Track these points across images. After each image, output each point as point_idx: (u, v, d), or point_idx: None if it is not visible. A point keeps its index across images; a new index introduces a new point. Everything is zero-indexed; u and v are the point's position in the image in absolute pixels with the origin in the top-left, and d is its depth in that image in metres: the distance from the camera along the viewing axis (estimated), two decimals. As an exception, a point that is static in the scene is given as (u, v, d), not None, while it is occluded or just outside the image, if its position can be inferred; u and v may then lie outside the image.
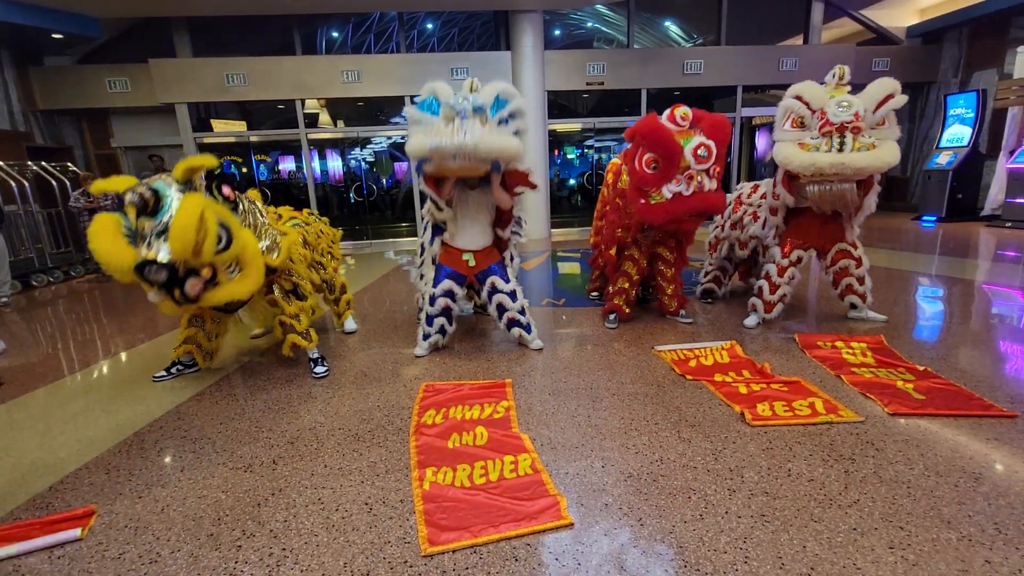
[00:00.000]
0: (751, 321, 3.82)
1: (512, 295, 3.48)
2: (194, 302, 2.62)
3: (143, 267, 2.41)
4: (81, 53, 9.21)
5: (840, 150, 3.13)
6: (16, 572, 1.67)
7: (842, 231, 3.64)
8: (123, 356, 3.94)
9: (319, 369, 3.22)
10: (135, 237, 2.50)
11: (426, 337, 3.51)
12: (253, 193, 3.17)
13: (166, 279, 2.45)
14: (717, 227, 4.46)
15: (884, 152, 3.13)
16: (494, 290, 3.46)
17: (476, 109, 2.91)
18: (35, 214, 7.40)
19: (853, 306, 3.80)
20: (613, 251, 3.92)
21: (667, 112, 3.42)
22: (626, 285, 3.90)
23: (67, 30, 7.83)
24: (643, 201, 3.39)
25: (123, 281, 2.54)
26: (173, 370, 3.34)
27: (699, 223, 3.67)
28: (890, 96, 3.20)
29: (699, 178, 3.27)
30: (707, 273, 4.67)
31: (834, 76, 3.40)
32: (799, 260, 3.66)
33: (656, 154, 3.29)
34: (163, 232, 2.44)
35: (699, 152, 3.23)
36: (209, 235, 2.46)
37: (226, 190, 2.78)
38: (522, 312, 3.52)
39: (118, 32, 9.05)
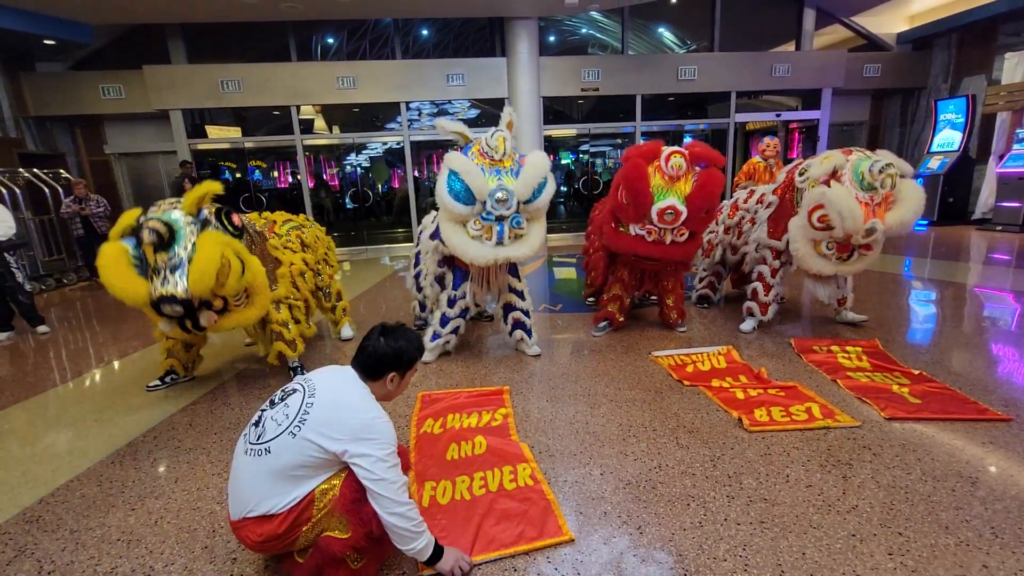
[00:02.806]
0: (747, 326, 3.83)
1: (521, 294, 3.50)
2: (203, 330, 2.72)
3: (160, 303, 2.49)
4: (74, 59, 9.16)
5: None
6: (6, 587, 1.64)
7: None
8: (116, 365, 3.90)
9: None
10: (144, 266, 2.58)
11: (435, 338, 3.48)
12: (253, 216, 3.20)
13: (182, 314, 2.56)
14: (711, 232, 4.47)
15: (909, 206, 3.24)
16: (509, 289, 3.46)
17: (515, 223, 3.05)
18: (27, 221, 7.33)
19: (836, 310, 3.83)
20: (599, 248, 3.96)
21: (665, 153, 3.30)
22: (619, 291, 3.87)
23: (60, 36, 7.78)
24: (613, 226, 3.55)
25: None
26: (167, 379, 3.31)
27: (682, 266, 3.82)
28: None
29: (662, 233, 3.34)
30: (701, 279, 4.70)
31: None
32: (789, 261, 3.68)
33: (628, 198, 3.34)
34: (177, 267, 2.50)
35: (665, 215, 3.27)
36: (233, 272, 2.57)
37: (235, 219, 2.83)
38: (527, 314, 3.53)
39: (112, 38, 9.01)
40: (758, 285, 3.77)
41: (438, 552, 1.53)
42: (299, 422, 1.44)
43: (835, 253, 3.36)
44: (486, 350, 3.74)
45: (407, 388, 1.75)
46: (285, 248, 3.44)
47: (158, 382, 3.28)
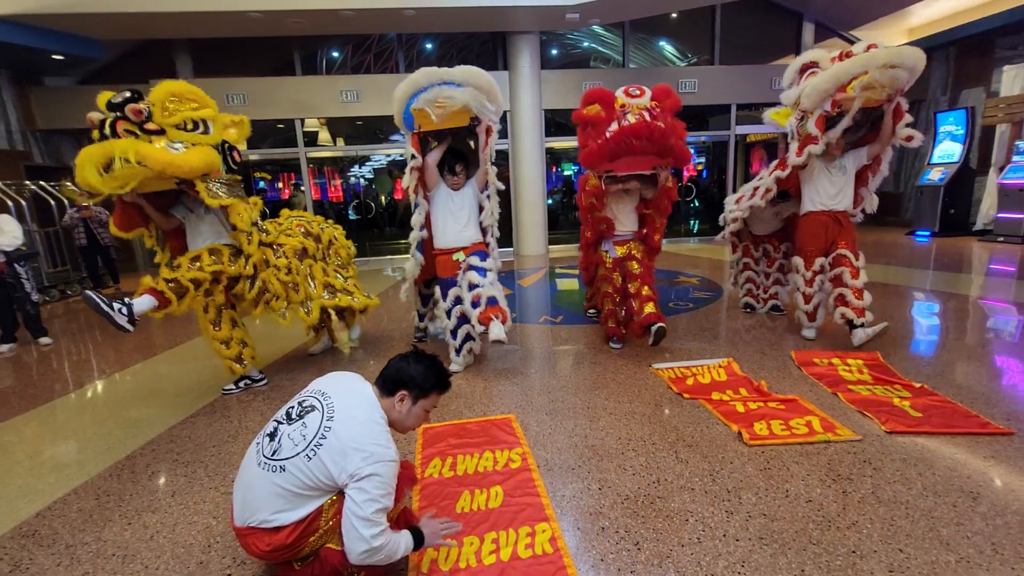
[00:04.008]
0: (809, 334, 3.86)
1: (482, 271, 3.36)
2: (129, 131, 2.67)
3: (111, 98, 2.64)
4: (82, 74, 9.31)
5: None
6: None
7: (845, 234, 3.64)
8: (116, 377, 3.91)
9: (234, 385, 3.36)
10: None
11: (459, 351, 3.52)
12: (254, 199, 3.27)
13: (124, 99, 2.63)
14: (731, 229, 4.50)
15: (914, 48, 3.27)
16: (468, 268, 3.41)
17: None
18: (32, 233, 7.39)
19: (852, 325, 3.51)
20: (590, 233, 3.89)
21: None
22: (611, 305, 3.81)
23: (69, 51, 7.91)
24: (594, 144, 3.34)
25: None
26: (241, 384, 3.39)
27: (668, 190, 3.59)
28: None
29: (639, 114, 3.25)
30: (767, 287, 4.65)
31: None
32: (822, 268, 3.70)
33: (593, 102, 3.39)
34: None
35: (631, 90, 3.36)
36: (185, 111, 2.77)
37: (236, 156, 3.14)
38: (493, 299, 3.28)
39: (119, 53, 9.16)
40: (798, 296, 3.80)
41: (419, 539, 1.55)
42: (315, 446, 1.45)
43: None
44: (486, 362, 3.73)
45: (420, 424, 1.72)
46: (283, 233, 3.51)
47: (232, 386, 3.37)
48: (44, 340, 4.87)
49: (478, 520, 1.90)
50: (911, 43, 10.31)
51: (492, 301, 3.27)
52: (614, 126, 3.29)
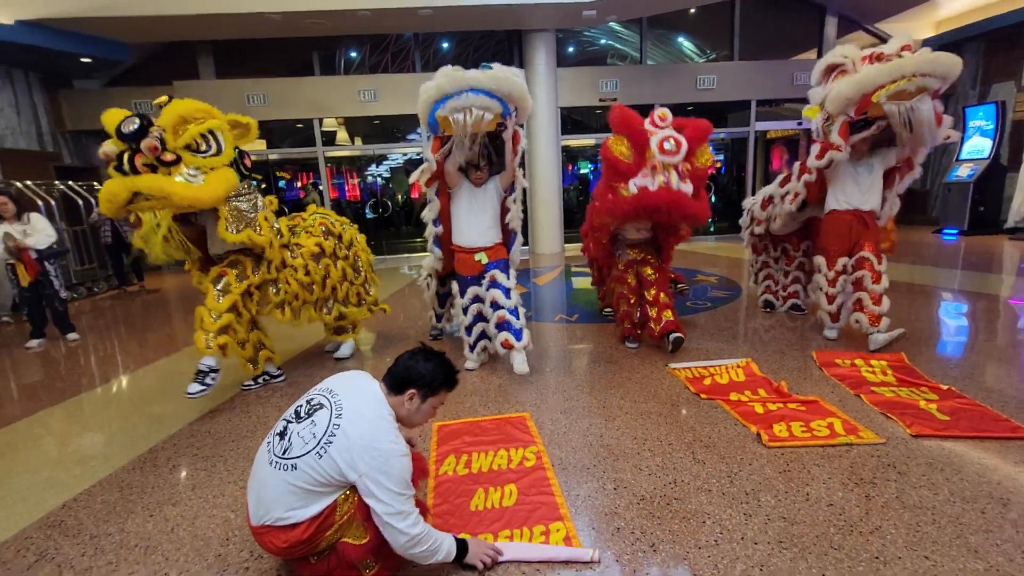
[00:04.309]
0: (831, 334, 3.77)
1: (505, 291, 3.37)
2: (137, 171, 2.68)
3: (120, 125, 2.66)
4: (109, 76, 9.54)
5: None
6: (28, 590, 1.68)
7: (870, 235, 3.54)
8: (140, 372, 4.00)
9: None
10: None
11: (473, 348, 3.53)
12: (270, 198, 3.35)
13: (136, 128, 2.65)
14: (749, 230, 4.47)
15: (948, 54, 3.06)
16: (493, 284, 3.41)
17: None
18: (61, 232, 7.61)
19: (865, 331, 3.49)
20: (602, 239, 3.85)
21: (649, 116, 3.34)
22: (626, 306, 3.77)
23: (97, 54, 8.12)
24: (611, 196, 3.33)
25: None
26: (260, 379, 3.45)
27: (679, 236, 3.66)
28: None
29: (666, 174, 3.17)
30: (786, 286, 4.56)
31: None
32: (845, 269, 3.60)
33: (623, 136, 3.29)
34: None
35: (665, 145, 3.15)
36: (193, 129, 2.78)
37: (247, 162, 3.26)
38: (514, 314, 3.32)
39: (144, 56, 9.37)
40: (821, 296, 3.70)
41: (462, 548, 1.57)
42: (325, 443, 1.46)
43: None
44: (501, 360, 3.72)
45: (428, 419, 1.73)
46: (305, 231, 3.57)
47: (251, 382, 3.43)
48: (71, 336, 5.01)
49: (492, 518, 1.90)
50: (939, 36, 10.04)
51: (514, 331, 3.28)
52: (637, 183, 3.19)
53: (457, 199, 3.47)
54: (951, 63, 3.02)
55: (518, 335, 3.28)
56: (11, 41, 7.01)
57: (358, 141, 10.65)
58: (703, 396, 2.89)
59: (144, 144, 2.64)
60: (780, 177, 4.10)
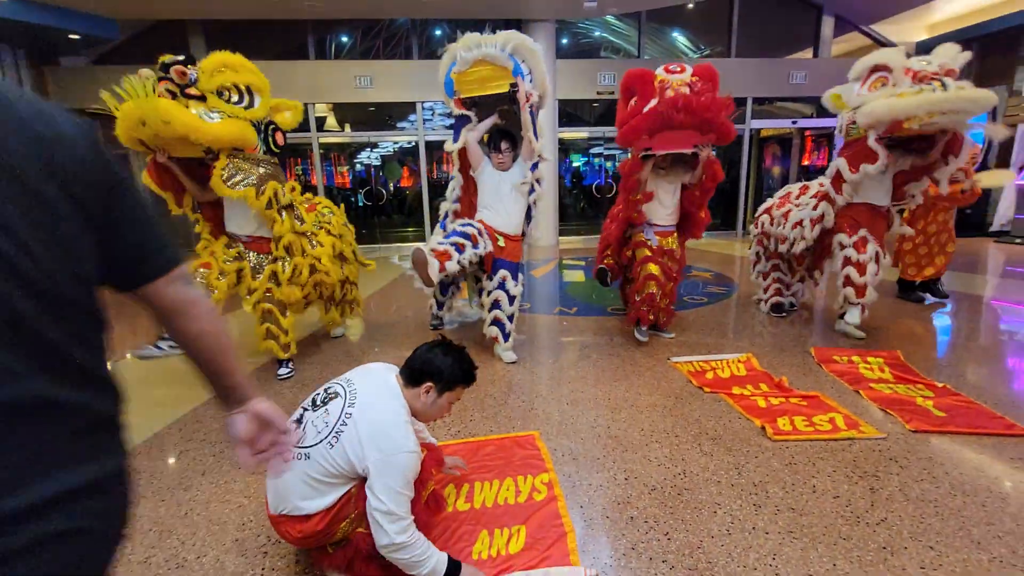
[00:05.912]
0: (852, 317, 3.66)
1: (511, 298, 3.46)
2: (170, 91, 2.74)
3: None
4: (97, 54, 9.27)
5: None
6: None
7: (885, 227, 3.71)
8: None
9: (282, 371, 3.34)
10: None
11: (507, 337, 3.52)
12: (291, 184, 3.32)
13: (177, 60, 2.77)
14: (759, 230, 4.45)
15: (986, 91, 3.08)
16: (502, 285, 3.44)
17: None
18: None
19: (841, 313, 3.77)
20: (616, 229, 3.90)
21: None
22: (655, 289, 3.54)
23: (85, 31, 7.88)
24: (634, 121, 3.25)
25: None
26: (289, 364, 3.37)
27: (711, 163, 3.49)
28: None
29: (680, 89, 3.22)
30: (766, 288, 4.52)
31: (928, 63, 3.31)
32: (864, 239, 3.58)
33: (632, 86, 3.42)
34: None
35: (670, 67, 3.34)
36: (229, 75, 2.85)
37: (279, 138, 3.23)
38: (510, 319, 3.50)
39: (134, 33, 9.12)
40: (849, 290, 3.60)
41: (454, 569, 1.46)
42: (336, 432, 1.45)
43: (922, 88, 3.15)
44: (497, 357, 3.73)
45: (444, 415, 1.71)
46: (321, 227, 3.55)
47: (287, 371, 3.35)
48: None
49: (496, 566, 1.67)
50: (933, 39, 10.17)
51: (504, 333, 3.49)
52: (654, 102, 3.23)
53: (483, 180, 3.47)
54: (989, 101, 3.06)
55: (506, 337, 3.51)
56: (-1, 16, 6.79)
57: (347, 127, 10.51)
58: (706, 390, 2.94)
59: (174, 69, 2.68)
60: (789, 191, 4.22)
